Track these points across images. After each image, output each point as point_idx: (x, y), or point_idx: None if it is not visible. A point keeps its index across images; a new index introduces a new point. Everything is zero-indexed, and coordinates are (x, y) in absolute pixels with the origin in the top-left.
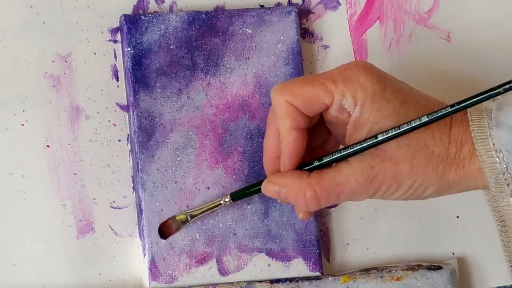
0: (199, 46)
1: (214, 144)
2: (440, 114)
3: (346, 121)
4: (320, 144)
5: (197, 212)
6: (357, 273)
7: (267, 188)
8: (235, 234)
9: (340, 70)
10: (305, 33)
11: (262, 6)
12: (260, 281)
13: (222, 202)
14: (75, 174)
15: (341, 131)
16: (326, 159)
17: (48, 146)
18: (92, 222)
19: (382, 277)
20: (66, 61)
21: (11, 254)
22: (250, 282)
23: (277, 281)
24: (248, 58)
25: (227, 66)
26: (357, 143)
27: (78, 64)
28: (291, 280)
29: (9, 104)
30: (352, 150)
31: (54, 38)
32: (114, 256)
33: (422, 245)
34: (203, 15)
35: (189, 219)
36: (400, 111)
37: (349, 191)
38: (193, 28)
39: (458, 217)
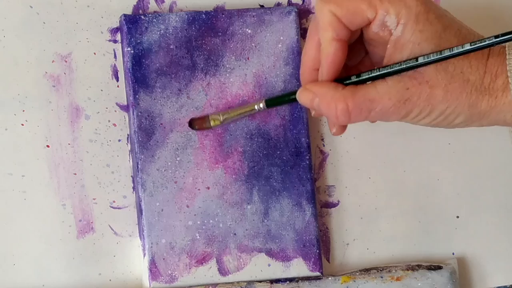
0: (199, 46)
1: (214, 144)
2: (484, 43)
3: (386, 40)
4: (356, 65)
5: (231, 115)
6: (357, 273)
7: (302, 95)
8: (235, 234)
9: None
10: (305, 33)
11: (262, 6)
12: (260, 281)
13: (256, 107)
14: (75, 174)
15: (379, 51)
16: (364, 75)
17: (48, 146)
18: (92, 222)
19: (382, 277)
20: (66, 61)
21: (11, 254)
22: (250, 282)
23: (277, 281)
24: (248, 58)
25: (227, 66)
26: (397, 63)
27: (78, 64)
28: (291, 280)
29: (9, 104)
30: (391, 69)
31: (54, 38)
32: (114, 256)
33: (422, 245)
34: (203, 15)
35: (221, 121)
36: (441, 36)
37: (381, 109)
38: (193, 28)
39: (458, 217)
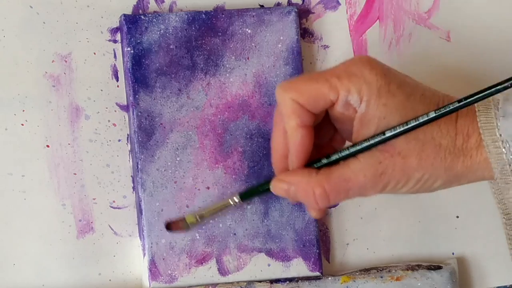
0: (199, 46)
1: (214, 144)
2: (448, 109)
3: (352, 117)
4: (327, 142)
5: (206, 214)
6: (357, 273)
7: (276, 187)
8: (235, 234)
9: (345, 66)
10: (305, 33)
11: (262, 6)
12: (260, 281)
13: (231, 202)
14: (75, 174)
15: (347, 127)
16: (334, 157)
17: (48, 146)
18: (92, 222)
19: (382, 277)
20: (66, 61)
21: (11, 254)
22: (250, 282)
23: (277, 281)
24: (248, 58)
25: (227, 66)
26: (365, 140)
27: (78, 64)
28: (291, 280)
29: (9, 104)
30: (360, 147)
31: (54, 38)
32: (114, 256)
33: (422, 245)
34: (203, 15)
35: (198, 220)
36: (406, 105)
37: (358, 187)
38: (193, 28)
39: (458, 217)
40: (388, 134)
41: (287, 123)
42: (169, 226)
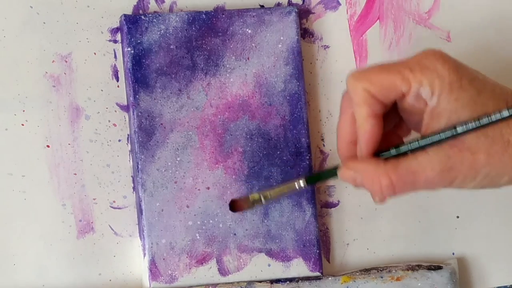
0: (199, 46)
1: (214, 144)
2: None
3: (422, 110)
4: (391, 129)
5: (271, 195)
6: (357, 273)
7: (344, 174)
8: (235, 234)
9: (417, 58)
10: (305, 33)
11: (262, 6)
12: (260, 281)
13: (297, 186)
14: (75, 174)
15: (415, 119)
16: (403, 148)
17: (48, 146)
18: (92, 222)
19: (382, 277)
20: (66, 61)
21: (11, 254)
22: (250, 282)
23: (277, 281)
24: (248, 58)
25: (227, 66)
26: (435, 134)
27: (78, 64)
28: (291, 280)
29: (9, 104)
30: (430, 141)
31: (54, 38)
32: (114, 256)
33: (422, 245)
34: (203, 15)
35: (262, 201)
36: (477, 100)
37: (425, 180)
38: (193, 28)
39: (458, 217)
40: (460, 130)
41: (357, 112)
42: (233, 206)
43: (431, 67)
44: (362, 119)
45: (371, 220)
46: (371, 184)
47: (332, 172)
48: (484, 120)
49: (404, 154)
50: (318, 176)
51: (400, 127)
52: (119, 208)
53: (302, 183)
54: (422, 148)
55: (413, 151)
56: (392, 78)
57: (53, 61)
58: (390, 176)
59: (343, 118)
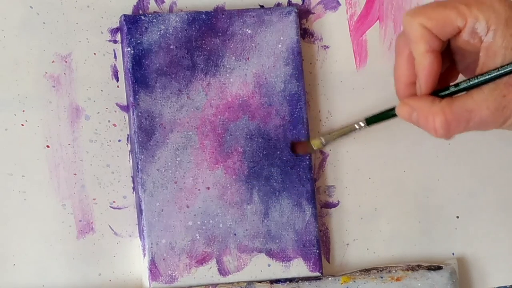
0: (199, 46)
1: (214, 144)
2: None
3: (476, 48)
4: (441, 74)
5: (332, 137)
6: (357, 273)
7: (400, 109)
8: (235, 234)
9: None
10: (305, 33)
11: (262, 6)
12: (260, 281)
13: (357, 126)
14: (75, 174)
15: (467, 59)
16: (462, 85)
17: (48, 146)
18: (92, 222)
19: (382, 277)
20: (66, 61)
21: (11, 254)
22: (250, 282)
23: (277, 281)
24: (248, 58)
25: (227, 66)
26: (494, 70)
27: (78, 64)
28: (291, 280)
29: (9, 104)
30: (490, 76)
31: (54, 38)
32: (114, 256)
33: (422, 245)
34: (203, 15)
35: (323, 143)
36: None
37: (479, 118)
38: (193, 28)
39: (458, 217)
40: None
41: (415, 49)
42: (294, 147)
43: (488, 2)
44: (421, 55)
45: (371, 220)
46: (425, 121)
47: (391, 111)
48: None
49: (461, 92)
50: (378, 116)
51: (450, 72)
52: (119, 208)
53: (362, 124)
54: (478, 85)
55: (473, 87)
56: (448, 13)
57: (53, 61)
58: (445, 113)
59: (399, 59)
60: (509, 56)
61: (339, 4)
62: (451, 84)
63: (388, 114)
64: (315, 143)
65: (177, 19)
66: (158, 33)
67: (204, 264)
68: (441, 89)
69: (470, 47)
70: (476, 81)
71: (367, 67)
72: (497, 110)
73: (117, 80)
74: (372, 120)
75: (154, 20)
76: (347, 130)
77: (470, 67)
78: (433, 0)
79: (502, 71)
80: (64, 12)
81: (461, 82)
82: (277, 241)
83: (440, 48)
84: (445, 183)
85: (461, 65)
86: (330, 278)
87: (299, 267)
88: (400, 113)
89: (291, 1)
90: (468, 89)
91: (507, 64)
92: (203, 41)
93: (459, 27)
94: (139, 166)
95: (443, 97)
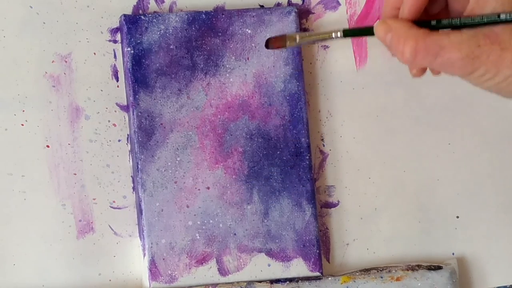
0: (199, 46)
1: (214, 144)
2: None
3: None
4: (434, 15)
5: (307, 37)
6: (357, 273)
7: (378, 26)
8: (235, 234)
9: None
10: None
11: (262, 6)
12: (260, 281)
13: (333, 35)
14: (75, 174)
15: (459, 6)
16: (444, 22)
17: (48, 146)
18: (92, 222)
19: (382, 277)
20: (66, 61)
21: (11, 254)
22: (250, 282)
23: (277, 281)
24: (248, 58)
25: (227, 66)
26: (478, 16)
27: (78, 64)
28: (291, 280)
29: (9, 104)
30: (472, 21)
31: (54, 38)
32: (114, 256)
33: (422, 245)
34: (203, 15)
35: (297, 41)
36: None
37: (448, 58)
38: (193, 28)
39: (458, 217)
40: (503, 17)
41: None
42: (269, 42)
43: None
44: None
45: (371, 220)
46: (397, 42)
47: (369, 29)
48: None
49: (441, 28)
50: (356, 30)
51: (442, 15)
52: (119, 208)
53: (339, 34)
54: (460, 27)
55: (453, 27)
56: None
57: (53, 61)
58: (417, 40)
59: None
60: (498, 8)
61: (339, 4)
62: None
63: (366, 31)
64: (289, 38)
65: (177, 19)
66: (158, 33)
67: (204, 264)
68: (422, 21)
69: None
70: (458, 22)
71: (367, 67)
72: (468, 57)
73: (117, 80)
74: (349, 33)
75: (154, 20)
76: (323, 36)
77: (461, 14)
78: None
79: (485, 20)
80: (64, 12)
81: (443, 19)
82: (277, 241)
83: None
84: (445, 183)
85: (453, 9)
86: (330, 278)
87: (299, 267)
88: (377, 30)
89: (291, 1)
90: (448, 27)
91: (492, 14)
92: (203, 41)
93: None
94: (139, 166)
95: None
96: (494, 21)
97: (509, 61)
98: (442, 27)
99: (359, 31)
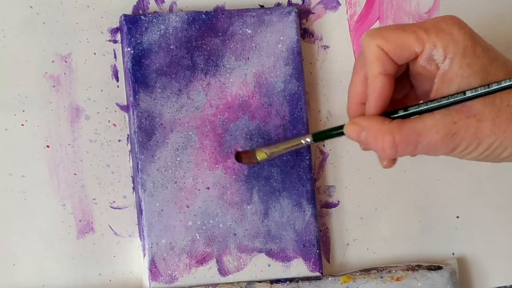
0: (199, 46)
1: (214, 144)
2: None
3: (433, 74)
4: (400, 98)
5: (277, 150)
6: (357, 273)
7: (349, 128)
8: (235, 234)
9: (433, 21)
10: (305, 33)
11: (262, 6)
12: (260, 281)
13: (303, 142)
14: (75, 174)
15: (424, 85)
16: (411, 109)
17: (48, 146)
18: (92, 222)
19: (382, 277)
20: (66, 61)
21: (11, 254)
22: (250, 282)
23: (277, 281)
24: (248, 58)
25: (227, 66)
26: (445, 97)
27: (78, 64)
28: (291, 280)
29: (9, 104)
30: (439, 103)
31: (54, 38)
32: (114, 256)
33: (422, 245)
34: (203, 15)
35: (268, 155)
36: (488, 69)
37: (428, 142)
38: (193, 28)
39: (458, 217)
40: (468, 94)
41: (369, 70)
42: (239, 157)
43: (447, 30)
44: (374, 76)
45: (371, 220)
46: (374, 141)
47: (339, 129)
48: (494, 86)
49: (410, 116)
50: (325, 133)
51: (409, 97)
52: (119, 208)
53: (308, 139)
54: (429, 111)
55: (421, 113)
56: (407, 37)
57: (53, 61)
58: (394, 134)
59: (355, 78)
60: (463, 84)
61: (339, 4)
62: (399, 108)
63: (335, 133)
64: (260, 155)
65: (177, 19)
66: (158, 33)
67: (204, 264)
68: (390, 111)
69: (427, 72)
70: (426, 107)
71: None
72: (447, 136)
73: (117, 80)
74: (318, 137)
75: (154, 20)
76: (293, 145)
77: (428, 93)
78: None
79: (451, 100)
80: (64, 12)
81: (410, 106)
82: (277, 241)
83: (394, 71)
84: (445, 183)
85: (419, 90)
86: (330, 278)
87: (299, 267)
88: (349, 131)
89: (291, 1)
90: (417, 114)
91: (458, 93)
92: (203, 41)
93: (416, 52)
94: (139, 166)
95: (393, 119)
96: (461, 99)
97: (488, 130)
98: (411, 115)
99: (329, 134)
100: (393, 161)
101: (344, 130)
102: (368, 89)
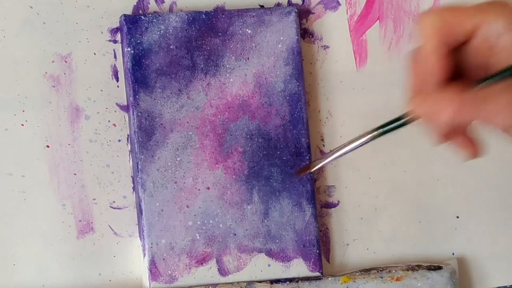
0: (199, 46)
1: (214, 144)
2: None
3: (489, 51)
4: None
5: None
6: (357, 273)
7: (415, 99)
8: (235, 234)
9: (488, 1)
10: (305, 33)
11: (262, 6)
12: (260, 281)
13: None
14: (75, 174)
15: (479, 62)
16: (484, 79)
17: (48, 146)
18: (92, 222)
19: (382, 277)
20: (66, 61)
21: (11, 254)
22: (250, 282)
23: (277, 281)
24: (248, 58)
25: (227, 66)
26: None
27: (78, 64)
28: (291, 280)
29: (9, 104)
30: (503, 74)
31: (54, 38)
32: (114, 256)
33: (422, 245)
34: (203, 15)
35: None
36: None
37: (495, 105)
38: (193, 28)
39: (458, 217)
40: None
41: (426, 47)
42: (297, 172)
43: (500, 9)
44: (430, 52)
45: (371, 220)
46: (436, 105)
47: (401, 118)
48: None
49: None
50: (385, 125)
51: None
52: (119, 208)
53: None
54: (494, 82)
55: (490, 82)
56: (462, 15)
57: (53, 61)
58: (460, 93)
59: (414, 68)
60: None
61: (339, 4)
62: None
63: (397, 122)
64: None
65: (177, 19)
66: (158, 33)
67: (204, 264)
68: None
69: (483, 51)
70: (490, 79)
71: (367, 67)
72: (509, 105)
73: (117, 80)
74: (379, 133)
75: (154, 20)
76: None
77: (480, 70)
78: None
79: None
80: (64, 12)
81: (477, 80)
82: (277, 241)
83: (451, 47)
84: (445, 183)
85: (472, 71)
86: (330, 278)
87: (299, 267)
88: (415, 102)
89: (291, 1)
90: (485, 83)
91: None
92: (203, 41)
93: (472, 31)
94: (139, 166)
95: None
96: None
97: None
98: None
99: (393, 126)
100: (474, 149)
101: (411, 103)
102: (425, 67)
